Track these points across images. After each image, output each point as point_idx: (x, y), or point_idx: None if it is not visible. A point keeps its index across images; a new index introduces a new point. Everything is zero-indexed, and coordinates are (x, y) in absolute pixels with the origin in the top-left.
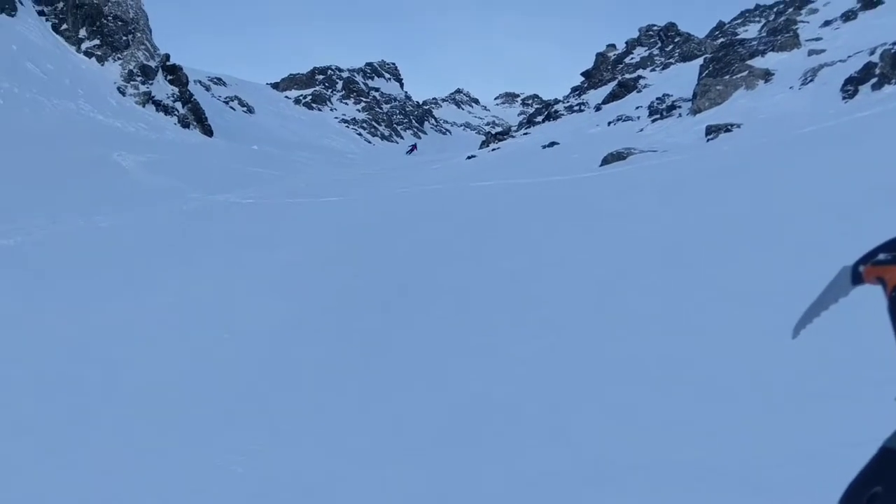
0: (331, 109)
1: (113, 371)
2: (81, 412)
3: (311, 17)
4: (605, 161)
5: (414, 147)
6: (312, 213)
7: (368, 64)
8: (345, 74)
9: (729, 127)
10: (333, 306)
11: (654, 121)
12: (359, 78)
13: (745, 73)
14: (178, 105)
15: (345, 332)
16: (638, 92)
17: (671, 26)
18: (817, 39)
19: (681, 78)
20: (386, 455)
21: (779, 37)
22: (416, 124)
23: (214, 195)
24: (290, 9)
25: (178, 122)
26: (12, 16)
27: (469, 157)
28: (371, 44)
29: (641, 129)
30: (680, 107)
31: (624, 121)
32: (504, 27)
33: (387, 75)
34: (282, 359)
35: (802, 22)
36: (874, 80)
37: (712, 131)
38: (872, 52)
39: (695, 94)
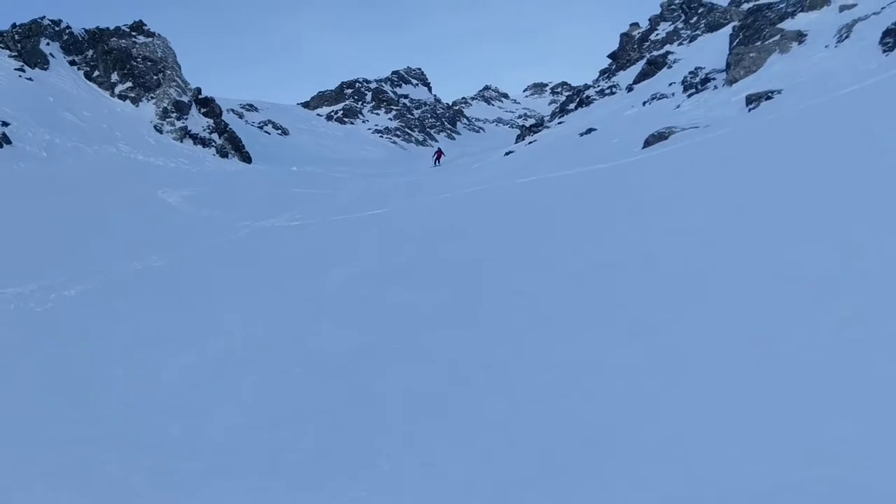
0: (363, 121)
1: (194, 421)
2: (165, 469)
3: (334, 31)
4: (647, 143)
5: (439, 154)
6: (359, 228)
7: (395, 72)
8: (373, 85)
9: (770, 94)
10: (399, 326)
11: (689, 96)
12: (387, 87)
13: (777, 38)
14: (215, 136)
15: (419, 356)
16: (668, 68)
17: None
18: None
19: (711, 49)
20: (500, 491)
21: None
22: (449, 125)
23: (261, 221)
24: (311, 27)
25: (217, 152)
26: (45, 69)
27: (507, 153)
28: (396, 51)
29: (678, 106)
30: (714, 78)
31: (659, 99)
32: (521, 15)
33: (414, 81)
34: (361, 392)
35: None
36: None
37: (753, 100)
38: None
39: (728, 64)
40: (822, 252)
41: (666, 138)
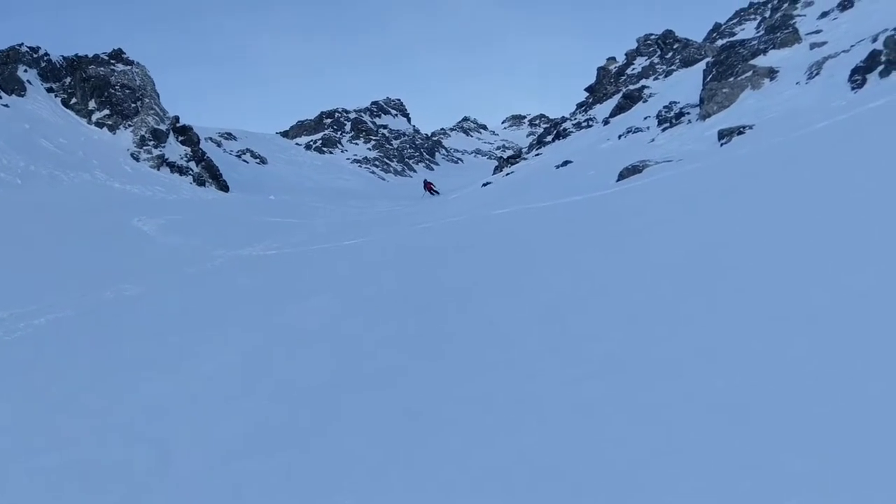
0: (342, 151)
1: (161, 451)
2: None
3: (314, 64)
4: (622, 176)
5: (429, 186)
6: (336, 257)
7: (374, 102)
8: (352, 115)
9: (741, 129)
10: (375, 355)
11: (664, 130)
12: (366, 117)
13: (749, 74)
14: (192, 164)
15: (392, 382)
16: (644, 102)
17: (668, 33)
18: (817, 32)
19: (685, 84)
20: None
21: (778, 33)
22: (428, 156)
23: (238, 250)
24: (292, 59)
25: (194, 180)
26: (22, 95)
27: (485, 185)
28: (374, 84)
29: (653, 140)
30: (688, 113)
31: (634, 132)
32: (502, 52)
33: (393, 111)
34: (336, 417)
35: (799, 16)
36: (881, 67)
37: (725, 135)
38: (875, 40)
39: (702, 100)
40: (788, 285)
41: (640, 171)
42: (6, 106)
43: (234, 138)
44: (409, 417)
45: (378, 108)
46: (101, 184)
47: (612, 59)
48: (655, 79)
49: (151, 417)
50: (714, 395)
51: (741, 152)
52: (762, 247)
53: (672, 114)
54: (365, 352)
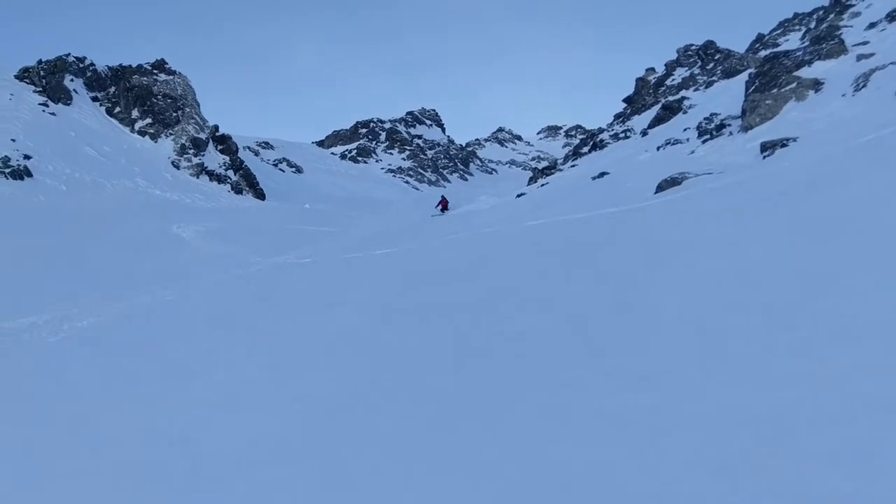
0: (376, 161)
1: (196, 455)
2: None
3: (349, 74)
4: (660, 188)
5: (444, 203)
6: (368, 267)
7: (409, 113)
8: (387, 125)
9: (784, 142)
10: (396, 368)
11: (704, 141)
12: (401, 127)
13: (793, 85)
14: (231, 173)
15: (423, 391)
16: (684, 113)
17: (710, 44)
18: (864, 43)
19: (726, 95)
20: None
21: (824, 45)
22: (462, 166)
23: (272, 258)
24: (327, 69)
25: (232, 188)
26: (68, 104)
27: (519, 196)
28: (409, 95)
29: (692, 152)
30: (730, 125)
31: (673, 144)
32: (539, 64)
33: (428, 122)
34: (358, 429)
35: (846, 27)
36: None
37: (768, 147)
38: None
39: (744, 111)
40: (838, 301)
41: (679, 183)
42: (53, 114)
43: (272, 147)
44: (442, 428)
45: (413, 119)
46: (142, 191)
47: (651, 70)
48: (696, 90)
49: (184, 422)
50: (756, 410)
51: (785, 165)
52: (811, 262)
53: (713, 125)
54: (395, 360)
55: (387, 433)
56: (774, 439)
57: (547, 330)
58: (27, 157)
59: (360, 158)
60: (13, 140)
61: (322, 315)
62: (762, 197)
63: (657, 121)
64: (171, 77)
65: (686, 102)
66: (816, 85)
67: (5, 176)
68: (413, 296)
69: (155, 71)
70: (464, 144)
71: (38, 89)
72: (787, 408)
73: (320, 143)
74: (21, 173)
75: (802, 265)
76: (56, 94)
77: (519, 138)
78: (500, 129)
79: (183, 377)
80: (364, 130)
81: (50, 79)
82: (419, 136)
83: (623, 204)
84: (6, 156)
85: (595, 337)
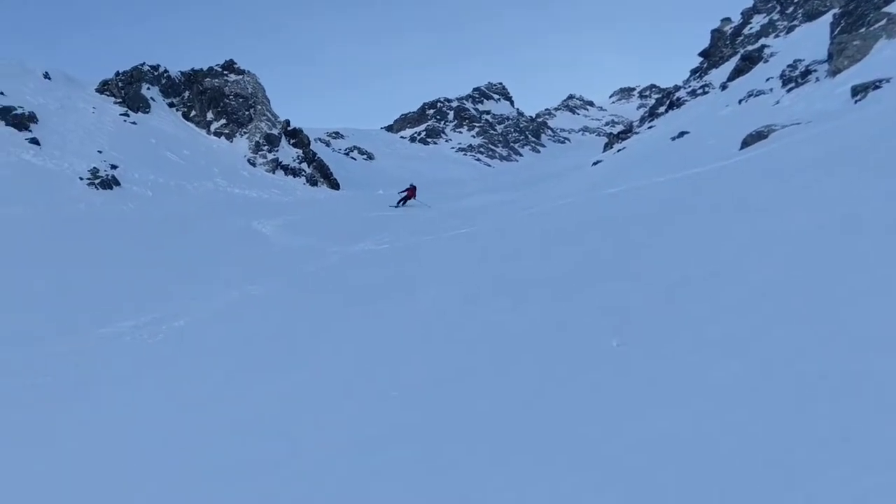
0: (446, 140)
1: (297, 446)
2: (273, 496)
3: (414, 59)
4: (745, 143)
5: (410, 192)
6: (446, 247)
7: (476, 89)
8: (454, 104)
9: (878, 83)
10: (489, 348)
11: (789, 90)
12: (468, 104)
13: (883, 22)
14: (304, 165)
15: (510, 383)
16: (765, 62)
17: None
18: None
19: (810, 39)
20: None
21: None
22: (533, 138)
23: (351, 246)
24: (392, 55)
25: (307, 181)
26: (147, 112)
27: (595, 163)
28: (475, 75)
29: (777, 102)
30: (815, 70)
31: (756, 96)
32: (609, 26)
33: (496, 96)
34: (452, 418)
35: None
36: None
37: (859, 91)
38: None
39: (830, 55)
40: None
41: (765, 137)
42: (134, 123)
43: (342, 136)
44: (551, 415)
45: (480, 94)
46: (222, 190)
47: (726, 20)
48: (776, 36)
49: (280, 414)
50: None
51: (879, 108)
52: None
53: (797, 73)
54: (488, 341)
55: (489, 417)
56: None
57: (636, 301)
58: (114, 166)
59: (429, 140)
60: (100, 152)
61: (406, 298)
62: (857, 146)
63: (737, 72)
64: (241, 77)
65: (767, 51)
66: None
67: (95, 186)
68: (494, 272)
69: (225, 72)
70: (534, 116)
71: (118, 100)
72: None
73: (389, 128)
74: (110, 183)
75: None
76: (135, 103)
77: (591, 104)
78: (571, 97)
79: (277, 370)
80: (431, 111)
81: (128, 89)
82: (487, 112)
83: (707, 163)
84: (94, 167)
85: (692, 310)
